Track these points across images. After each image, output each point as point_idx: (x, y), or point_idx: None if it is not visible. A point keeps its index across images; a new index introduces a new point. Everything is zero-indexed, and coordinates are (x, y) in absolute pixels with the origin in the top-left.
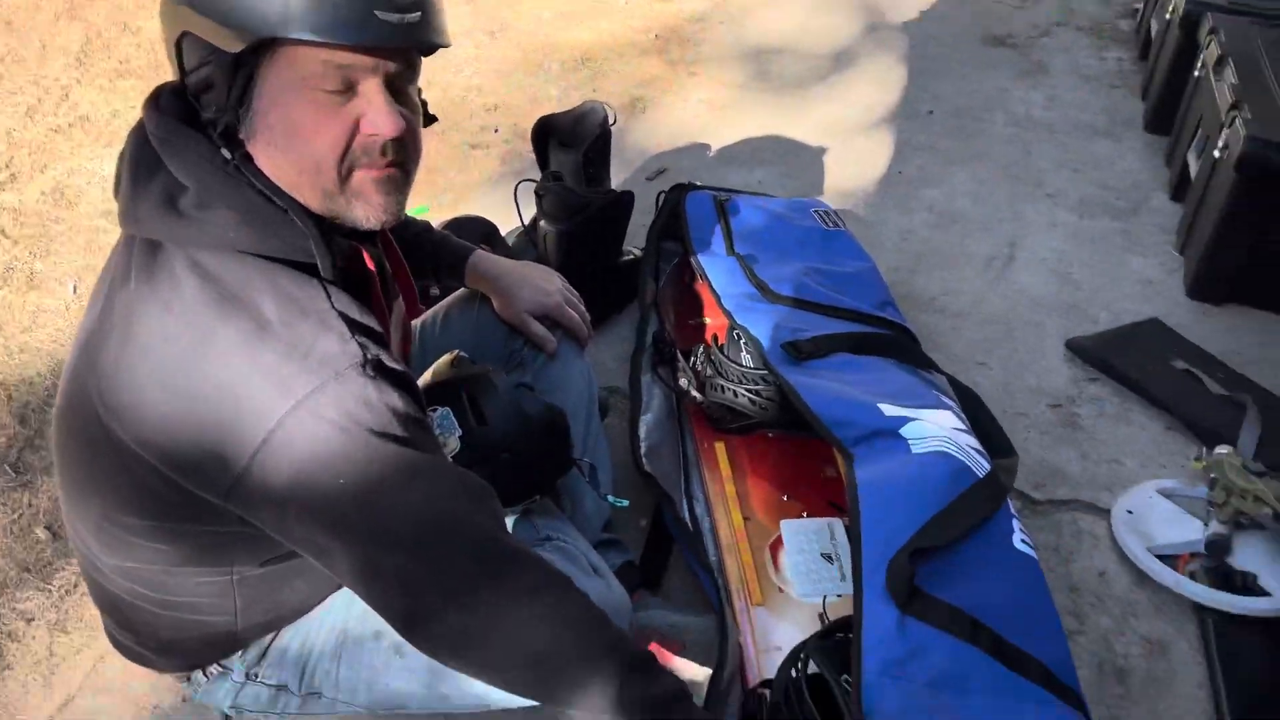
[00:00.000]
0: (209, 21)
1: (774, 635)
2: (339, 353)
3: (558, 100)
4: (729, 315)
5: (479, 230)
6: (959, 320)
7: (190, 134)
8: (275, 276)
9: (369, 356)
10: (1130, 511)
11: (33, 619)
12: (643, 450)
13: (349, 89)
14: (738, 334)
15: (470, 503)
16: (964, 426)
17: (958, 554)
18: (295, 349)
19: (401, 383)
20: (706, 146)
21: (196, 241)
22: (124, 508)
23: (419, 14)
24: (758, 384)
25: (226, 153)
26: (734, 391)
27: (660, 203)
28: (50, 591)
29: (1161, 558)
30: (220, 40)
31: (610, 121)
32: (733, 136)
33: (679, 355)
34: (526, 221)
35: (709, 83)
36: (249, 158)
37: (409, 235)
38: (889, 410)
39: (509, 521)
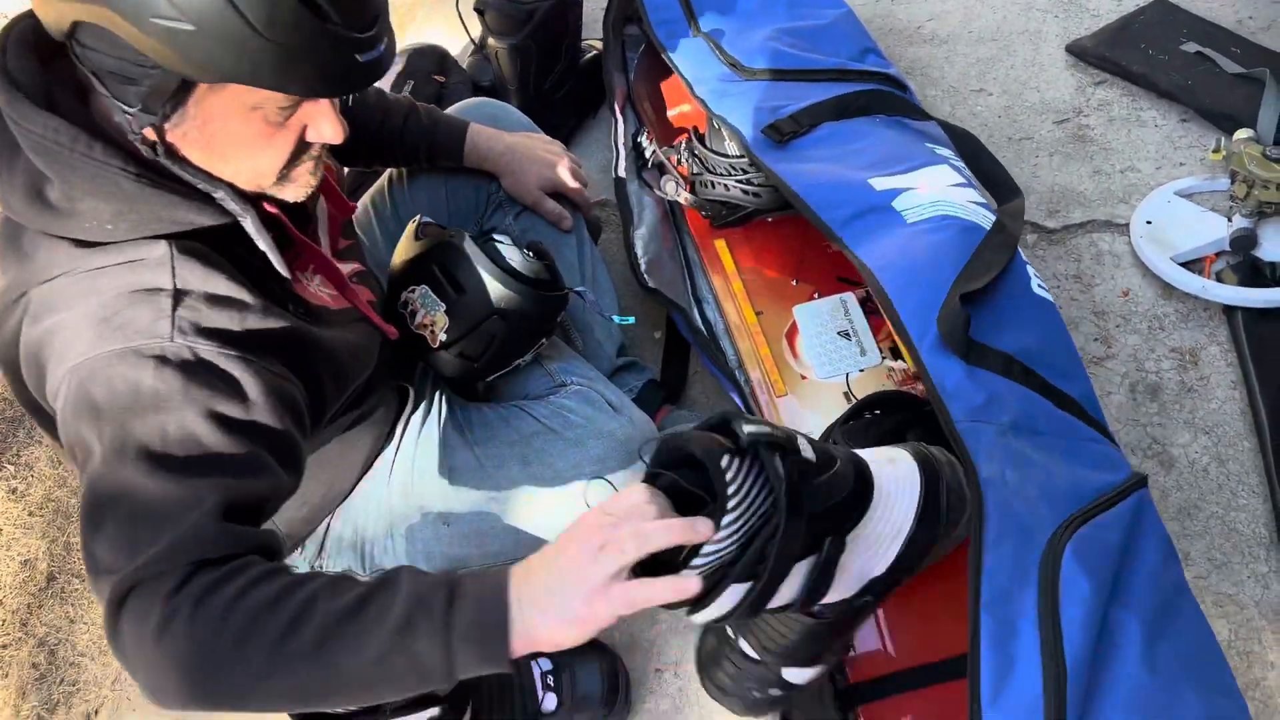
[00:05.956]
0: (166, 49)
1: (804, 424)
2: (143, 328)
3: None
4: (704, 104)
5: (434, 58)
6: (949, 45)
7: (55, 123)
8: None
9: (173, 340)
10: (1149, 221)
11: None
12: (643, 266)
13: (296, 105)
14: (717, 123)
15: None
16: (962, 179)
17: (991, 303)
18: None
19: (209, 378)
20: None
21: (72, 232)
22: None
23: (384, 43)
24: (747, 172)
25: (146, 150)
26: (724, 185)
27: None
28: None
29: (1186, 265)
30: (172, 64)
31: None
32: None
33: (661, 156)
34: (477, 39)
35: None
36: (171, 149)
37: (397, 124)
38: (879, 183)
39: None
